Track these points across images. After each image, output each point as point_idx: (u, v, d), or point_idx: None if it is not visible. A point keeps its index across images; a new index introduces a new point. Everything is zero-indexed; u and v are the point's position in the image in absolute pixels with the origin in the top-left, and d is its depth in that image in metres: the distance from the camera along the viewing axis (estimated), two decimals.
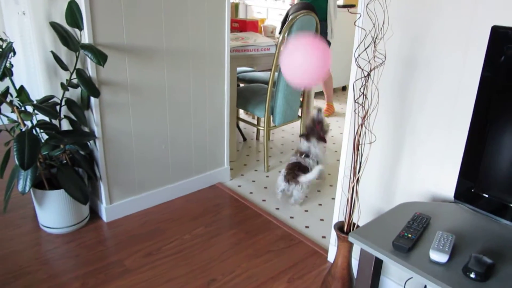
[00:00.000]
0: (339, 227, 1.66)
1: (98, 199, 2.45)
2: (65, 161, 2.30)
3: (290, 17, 3.92)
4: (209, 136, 2.76)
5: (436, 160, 1.58)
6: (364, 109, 1.35)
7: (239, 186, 2.92)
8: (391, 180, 1.72)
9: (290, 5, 5.18)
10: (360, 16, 1.36)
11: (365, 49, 1.36)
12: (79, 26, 2.03)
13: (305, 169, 2.58)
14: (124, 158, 2.39)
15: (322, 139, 2.67)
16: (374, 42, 1.31)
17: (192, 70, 2.51)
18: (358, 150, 1.44)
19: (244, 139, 3.77)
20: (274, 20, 5.34)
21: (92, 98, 2.17)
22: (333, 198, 2.80)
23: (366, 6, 1.37)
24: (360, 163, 1.49)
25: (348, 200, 1.55)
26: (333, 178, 3.08)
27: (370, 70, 1.33)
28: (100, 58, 1.98)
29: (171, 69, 2.41)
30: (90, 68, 2.11)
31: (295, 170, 2.58)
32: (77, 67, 2.11)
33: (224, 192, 2.81)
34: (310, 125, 2.68)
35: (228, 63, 2.65)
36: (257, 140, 3.80)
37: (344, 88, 5.49)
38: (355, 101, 1.37)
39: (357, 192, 1.54)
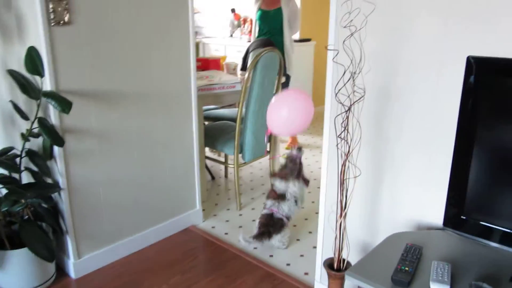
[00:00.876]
0: (329, 264, 1.61)
1: (64, 255, 2.28)
2: (27, 216, 2.14)
3: (251, 54, 3.98)
4: (180, 178, 2.67)
5: (417, 187, 1.59)
6: (348, 144, 1.34)
7: (213, 227, 2.83)
8: (374, 211, 1.71)
9: (248, 42, 5.27)
10: (338, 52, 1.37)
11: (344, 84, 1.37)
12: (39, 73, 1.94)
13: (278, 222, 2.45)
14: (92, 208, 2.25)
15: (305, 181, 2.53)
16: (353, 77, 1.32)
17: (160, 111, 2.45)
18: (343, 185, 1.42)
19: (213, 177, 3.69)
20: (233, 57, 5.39)
21: (55, 147, 2.06)
22: (310, 232, 2.76)
23: (343, 43, 1.38)
24: (346, 197, 1.47)
25: (336, 236, 1.51)
26: (307, 212, 3.05)
27: (351, 105, 1.33)
28: (65, 105, 1.89)
29: (138, 112, 2.34)
30: (53, 116, 2.01)
31: (266, 230, 2.42)
32: (38, 115, 2.00)
33: (198, 235, 2.71)
34: (290, 165, 2.49)
35: (196, 102, 2.61)
36: (225, 177, 3.74)
37: None
38: (338, 136, 1.36)
39: (344, 228, 1.51)
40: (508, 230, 1.29)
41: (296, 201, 2.48)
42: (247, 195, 3.32)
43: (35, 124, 2.00)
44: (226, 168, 3.77)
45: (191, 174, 2.75)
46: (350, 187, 1.54)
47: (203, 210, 3.00)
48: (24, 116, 2.05)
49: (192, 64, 2.54)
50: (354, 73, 1.35)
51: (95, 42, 2.08)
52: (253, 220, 2.90)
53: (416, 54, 1.45)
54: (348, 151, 1.35)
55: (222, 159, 3.83)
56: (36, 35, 1.93)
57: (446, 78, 1.41)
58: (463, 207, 1.37)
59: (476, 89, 1.25)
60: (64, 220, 2.18)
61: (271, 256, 2.49)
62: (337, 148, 1.39)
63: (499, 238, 1.34)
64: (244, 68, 4.10)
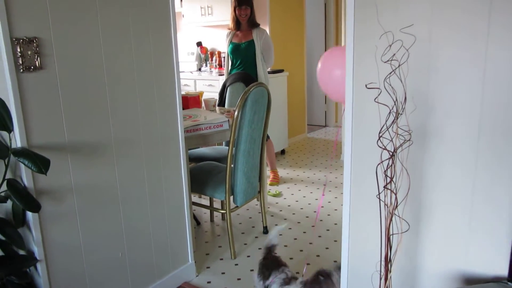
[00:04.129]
0: None
1: None
2: None
3: (229, 88, 3.79)
4: (170, 229, 2.38)
5: (457, 234, 1.41)
6: (395, 195, 1.15)
7: (209, 282, 2.54)
8: (413, 263, 1.51)
9: (220, 75, 5.10)
10: (380, 91, 1.19)
11: (388, 127, 1.17)
12: (7, 127, 1.65)
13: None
14: (74, 277, 1.93)
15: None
16: (396, 118, 1.14)
17: (146, 159, 2.18)
18: (388, 241, 1.22)
19: (198, 223, 3.40)
20: (205, 92, 5.18)
21: (29, 213, 1.75)
22: None
23: (384, 80, 1.20)
24: (390, 255, 1.27)
25: None
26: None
27: (395, 150, 1.15)
28: (41, 164, 1.60)
29: (121, 162, 2.07)
30: (25, 176, 1.71)
31: None
32: (6, 177, 1.69)
33: None
34: (322, 281, 1.92)
35: (184, 146, 2.37)
36: (211, 222, 3.46)
37: (283, 152, 5.40)
38: (384, 187, 1.16)
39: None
40: None
41: None
42: (239, 241, 3.06)
43: (3, 187, 1.69)
44: (212, 212, 3.49)
45: (182, 224, 2.47)
46: (394, 244, 1.32)
47: (195, 262, 2.71)
48: None
49: (178, 104, 2.30)
50: (399, 113, 1.17)
51: (70, 88, 1.81)
52: (251, 270, 2.64)
53: (455, 94, 1.30)
54: (396, 203, 1.16)
55: (206, 203, 3.56)
56: (2, 84, 1.65)
57: (491, 111, 1.27)
58: None
59: None
60: None
61: None
62: (379, 201, 1.20)
63: None
64: (221, 104, 3.90)
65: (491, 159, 1.32)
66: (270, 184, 4.23)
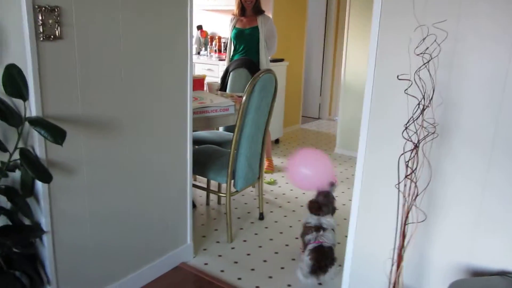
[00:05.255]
0: None
1: None
2: None
3: (232, 74, 3.79)
4: (172, 210, 2.40)
5: (468, 228, 1.46)
6: (416, 186, 1.18)
7: (206, 264, 2.56)
8: (421, 254, 1.56)
9: (220, 60, 5.08)
10: (411, 83, 1.22)
11: (415, 119, 1.20)
12: (23, 96, 1.63)
13: (330, 252, 2.31)
14: (78, 251, 1.94)
15: (334, 210, 2.49)
16: (422, 111, 1.17)
17: (155, 137, 2.18)
18: (404, 231, 1.25)
19: (194, 206, 3.41)
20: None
21: (38, 183, 1.74)
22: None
23: (415, 72, 1.23)
24: (403, 245, 1.31)
25: (393, 286, 1.34)
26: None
27: (418, 141, 1.18)
28: (57, 135, 1.59)
29: (132, 138, 2.06)
30: (38, 146, 1.70)
31: (323, 261, 2.26)
32: (19, 146, 1.68)
33: (191, 275, 2.43)
34: (322, 199, 2.42)
35: (191, 126, 2.37)
36: (207, 205, 3.48)
37: (277, 141, 5.43)
38: (406, 177, 1.19)
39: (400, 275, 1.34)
40: None
41: (333, 229, 2.39)
42: (235, 225, 3.08)
43: (15, 156, 1.68)
44: (208, 195, 3.51)
45: (184, 205, 2.48)
46: (408, 233, 1.36)
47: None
48: (2, 147, 1.72)
49: (189, 84, 2.30)
50: (425, 105, 1.20)
51: (87, 60, 1.80)
52: (248, 254, 2.68)
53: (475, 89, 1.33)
54: (417, 194, 1.19)
55: (204, 186, 3.57)
56: (20, 52, 1.62)
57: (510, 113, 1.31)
58: None
59: None
60: (45, 268, 1.84)
61: None
62: (398, 190, 1.23)
63: None
64: (223, 89, 3.90)
65: (504, 158, 1.36)
66: (265, 172, 4.26)
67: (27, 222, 1.83)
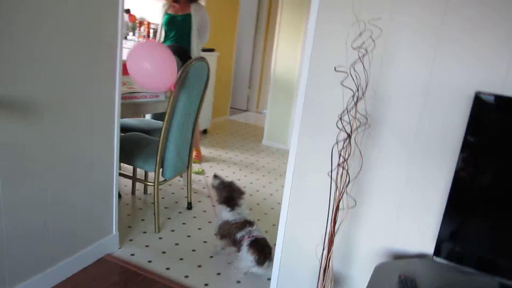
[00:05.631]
0: None
1: None
2: None
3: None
4: (97, 198, 2.28)
5: (391, 215, 1.56)
6: (348, 174, 1.23)
7: (132, 254, 2.48)
8: (349, 240, 1.64)
9: None
10: (347, 75, 1.26)
11: (349, 110, 1.25)
12: None
13: (267, 244, 2.34)
14: None
15: (241, 193, 2.49)
16: (356, 103, 1.22)
17: (79, 122, 2.06)
18: (335, 218, 1.31)
19: (119, 195, 3.28)
20: None
21: None
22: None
23: (351, 66, 1.27)
24: (334, 231, 1.36)
25: (323, 270, 1.39)
26: None
27: (351, 132, 1.23)
28: None
29: (53, 122, 1.92)
30: None
31: (266, 250, 2.28)
32: None
33: (117, 266, 2.34)
34: (222, 192, 2.44)
35: (119, 112, 2.27)
36: (132, 195, 3.36)
37: (205, 132, 5.39)
38: (338, 165, 1.24)
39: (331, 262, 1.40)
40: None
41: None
42: (162, 215, 3.02)
43: None
44: (133, 184, 3.39)
45: (109, 194, 2.37)
46: (339, 219, 1.42)
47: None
48: None
49: (118, 68, 2.20)
50: (358, 98, 1.25)
51: (3, 36, 1.64)
52: (176, 244, 2.64)
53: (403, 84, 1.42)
54: (348, 181, 1.25)
55: (129, 174, 3.44)
56: None
57: (432, 113, 1.41)
58: (456, 240, 1.36)
59: (481, 125, 1.25)
60: None
61: (207, 285, 2.26)
62: (331, 178, 1.28)
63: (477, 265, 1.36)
64: None
65: (421, 155, 1.47)
66: (193, 162, 4.21)
67: None
